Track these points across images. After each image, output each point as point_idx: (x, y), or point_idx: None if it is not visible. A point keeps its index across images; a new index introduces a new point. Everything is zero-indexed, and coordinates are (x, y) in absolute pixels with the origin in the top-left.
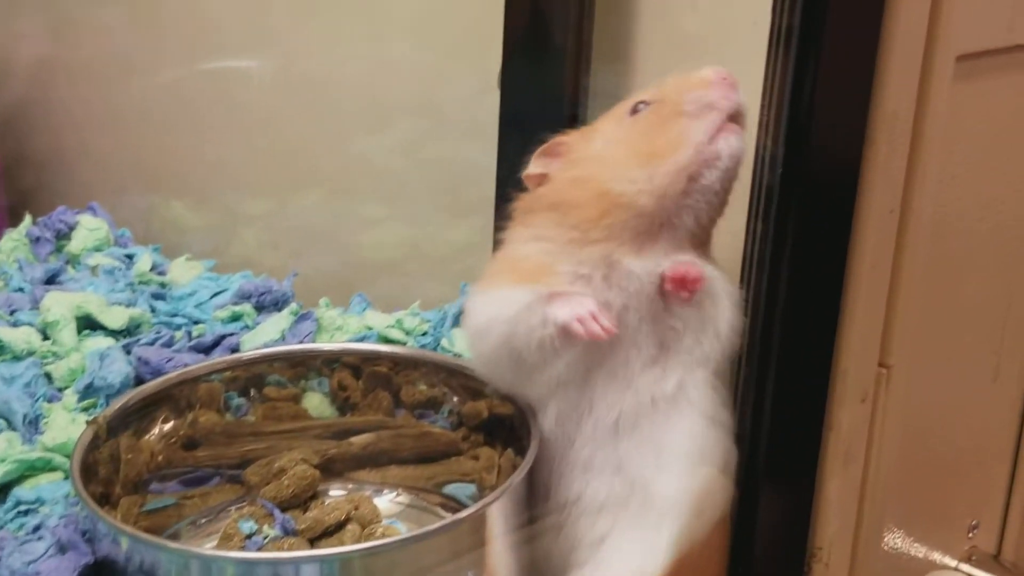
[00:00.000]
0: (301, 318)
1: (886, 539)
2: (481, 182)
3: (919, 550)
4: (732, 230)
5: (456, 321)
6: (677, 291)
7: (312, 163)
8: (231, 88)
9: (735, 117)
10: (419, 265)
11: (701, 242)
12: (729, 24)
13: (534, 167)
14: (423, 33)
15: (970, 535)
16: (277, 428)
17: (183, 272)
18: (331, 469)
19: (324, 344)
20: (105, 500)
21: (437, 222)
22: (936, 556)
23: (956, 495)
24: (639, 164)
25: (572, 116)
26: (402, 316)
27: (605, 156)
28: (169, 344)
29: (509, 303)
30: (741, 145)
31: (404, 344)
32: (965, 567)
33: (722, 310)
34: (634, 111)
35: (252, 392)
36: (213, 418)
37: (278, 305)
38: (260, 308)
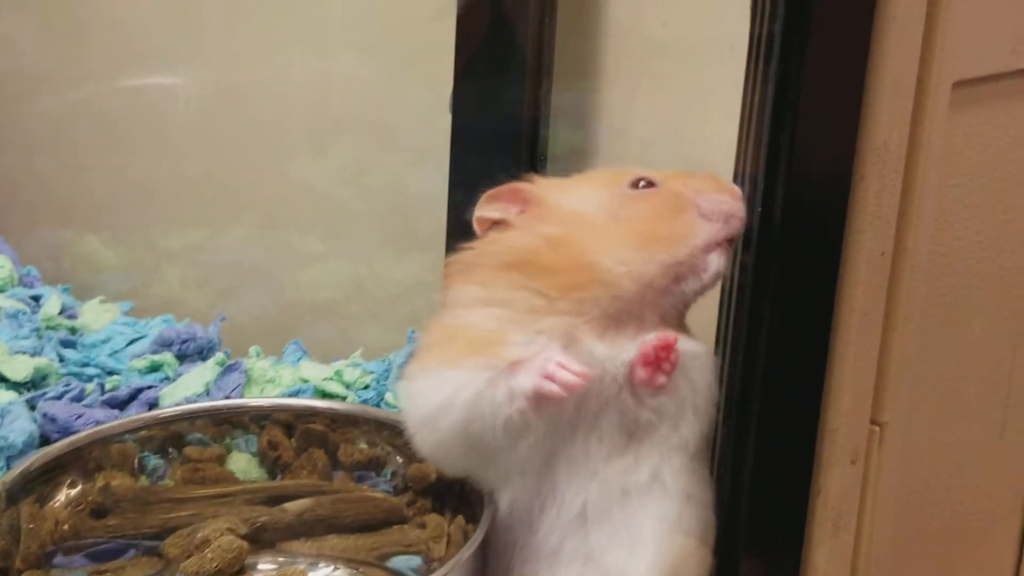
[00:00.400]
0: (228, 369)
1: None
2: (432, 212)
3: None
4: None
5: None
6: (652, 376)
7: (245, 191)
8: (155, 106)
9: (731, 241)
10: (362, 307)
11: (668, 322)
12: (703, 44)
13: (488, 210)
14: (369, 47)
15: None
16: (199, 493)
17: (96, 316)
18: (261, 539)
19: (253, 399)
20: (3, 575)
21: (383, 258)
22: None
23: (960, 566)
24: (635, 245)
25: (531, 140)
26: (342, 367)
27: (596, 225)
28: (79, 398)
29: (464, 384)
30: (726, 269)
31: (343, 399)
32: None
33: (700, 387)
34: (635, 185)
35: (171, 452)
36: (127, 482)
37: (203, 354)
38: (182, 357)
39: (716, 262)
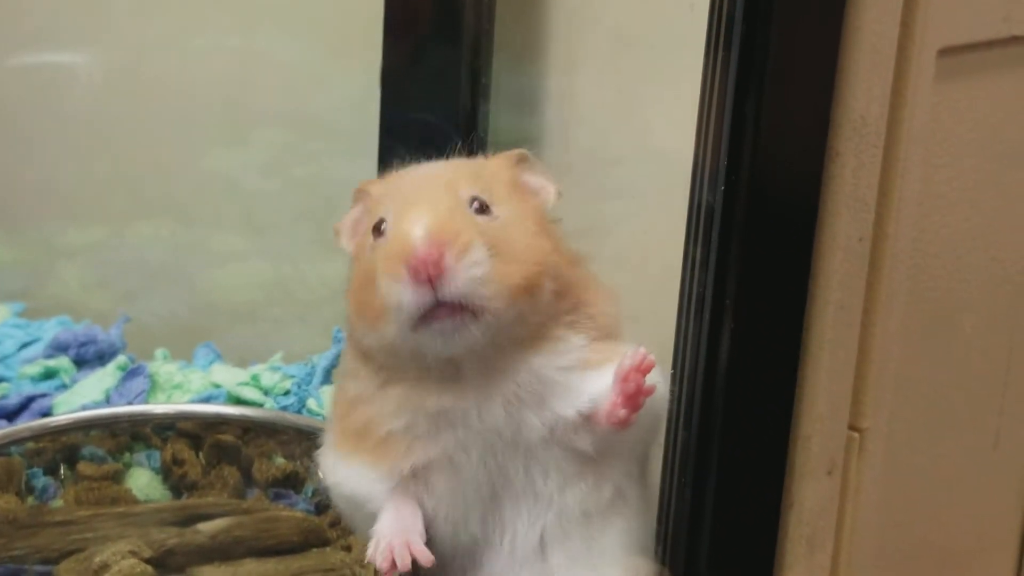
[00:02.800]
0: (130, 374)
1: None
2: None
3: None
4: (664, 260)
5: (326, 377)
6: (629, 417)
7: (154, 184)
8: (53, 89)
9: (449, 304)
10: (284, 309)
11: (544, 327)
12: (660, 8)
13: (343, 232)
14: (292, 27)
15: None
16: (97, 512)
17: None
18: (168, 564)
19: (156, 406)
20: None
21: (307, 256)
22: None
23: None
24: (359, 316)
25: (468, 126)
26: (259, 371)
27: (352, 287)
28: None
29: (354, 484)
30: (457, 331)
31: (260, 406)
32: None
33: (653, 396)
34: (376, 232)
35: (62, 470)
36: (12, 502)
37: (103, 359)
38: (81, 362)
39: (434, 332)
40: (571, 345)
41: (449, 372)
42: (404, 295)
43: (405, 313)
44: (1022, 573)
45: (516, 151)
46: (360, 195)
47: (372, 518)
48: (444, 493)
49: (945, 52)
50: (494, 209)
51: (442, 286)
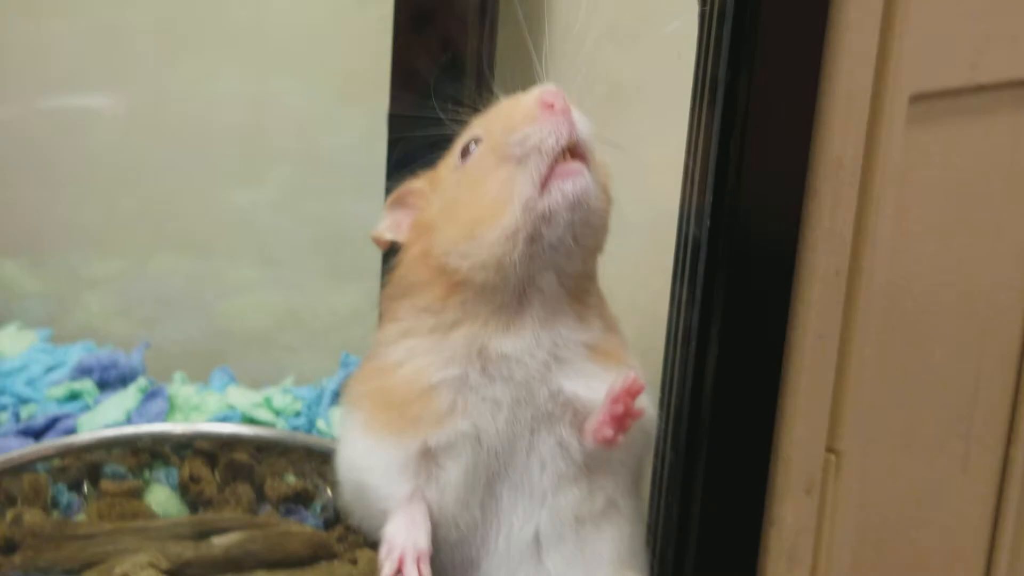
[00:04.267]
0: (150, 396)
1: None
2: (368, 241)
3: None
4: (652, 290)
5: (335, 399)
6: (616, 437)
7: (174, 219)
8: (81, 130)
9: (574, 150)
10: (295, 336)
11: (580, 286)
12: (650, 58)
13: (385, 226)
14: (304, 72)
15: None
16: (118, 527)
17: (12, 343)
18: (183, 574)
19: (174, 425)
20: None
21: (318, 287)
22: None
23: None
24: (466, 235)
25: None
26: (271, 393)
27: (437, 221)
28: None
29: (367, 467)
30: (584, 185)
31: (272, 426)
32: None
33: (643, 417)
34: (464, 153)
35: (86, 487)
36: (38, 516)
37: (125, 382)
38: (103, 385)
39: (560, 196)
40: (592, 325)
41: (514, 313)
42: (542, 131)
43: (542, 154)
44: None
45: None
46: (398, 198)
47: (379, 514)
48: (452, 482)
49: (916, 98)
50: None
51: (572, 124)
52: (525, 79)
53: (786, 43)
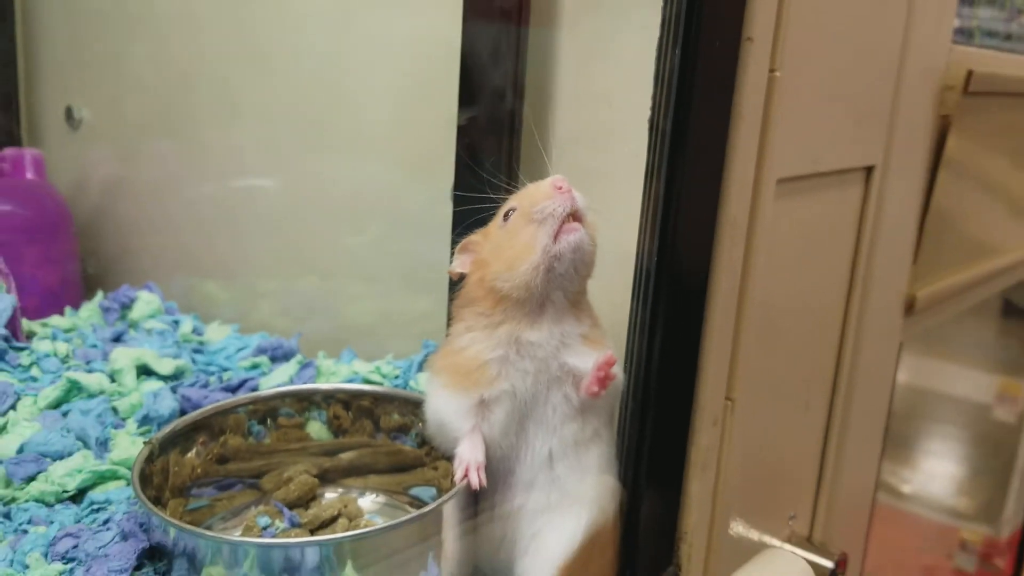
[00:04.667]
0: (304, 367)
1: (731, 526)
2: (436, 268)
3: (754, 534)
4: (619, 301)
5: (419, 368)
6: (599, 391)
7: (312, 253)
8: (253, 199)
9: (575, 215)
10: (391, 329)
11: (577, 299)
12: (615, 151)
13: (456, 264)
14: (392, 155)
15: (789, 522)
16: (286, 447)
17: (216, 333)
18: (326, 478)
19: (322, 384)
20: (157, 501)
21: (403, 297)
22: (766, 538)
23: (780, 494)
24: (507, 267)
25: None
26: (380, 364)
27: (489, 260)
28: (205, 386)
29: (445, 411)
30: (580, 237)
31: (381, 384)
32: (787, 546)
33: (615, 380)
34: (505, 217)
35: (268, 421)
36: (239, 441)
37: (287, 357)
38: (274, 359)
39: (566, 244)
40: (584, 322)
41: (537, 315)
42: (555, 204)
43: (555, 218)
44: (820, 483)
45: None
46: (464, 246)
47: (452, 440)
48: (498, 420)
49: (781, 181)
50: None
51: (573, 199)
52: (541, 171)
53: (704, 147)
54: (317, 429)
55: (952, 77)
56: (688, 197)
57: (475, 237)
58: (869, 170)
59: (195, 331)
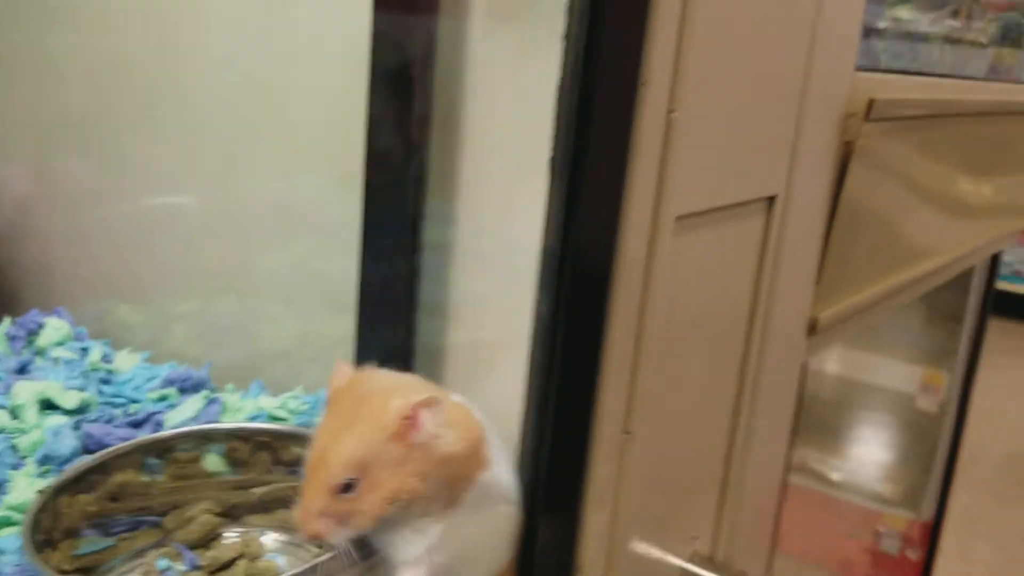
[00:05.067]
0: (211, 402)
1: (631, 552)
2: (347, 289)
3: (656, 557)
4: (515, 310)
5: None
6: None
7: (228, 275)
8: (168, 218)
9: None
10: (307, 351)
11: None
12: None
13: None
14: (315, 168)
15: (693, 543)
16: (190, 483)
17: (125, 362)
18: (230, 514)
19: (224, 424)
20: (48, 544)
21: (321, 319)
22: (668, 559)
23: (682, 516)
24: None
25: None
26: (287, 398)
27: None
28: (109, 421)
29: None
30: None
31: (286, 421)
32: (689, 566)
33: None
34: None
35: (164, 455)
36: (131, 476)
37: (196, 389)
38: (183, 391)
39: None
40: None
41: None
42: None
43: None
44: (722, 506)
45: (425, 398)
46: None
47: None
48: None
49: (679, 217)
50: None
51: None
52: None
53: (601, 189)
54: (215, 462)
55: (854, 104)
56: (585, 240)
57: None
58: (771, 199)
59: (104, 358)
